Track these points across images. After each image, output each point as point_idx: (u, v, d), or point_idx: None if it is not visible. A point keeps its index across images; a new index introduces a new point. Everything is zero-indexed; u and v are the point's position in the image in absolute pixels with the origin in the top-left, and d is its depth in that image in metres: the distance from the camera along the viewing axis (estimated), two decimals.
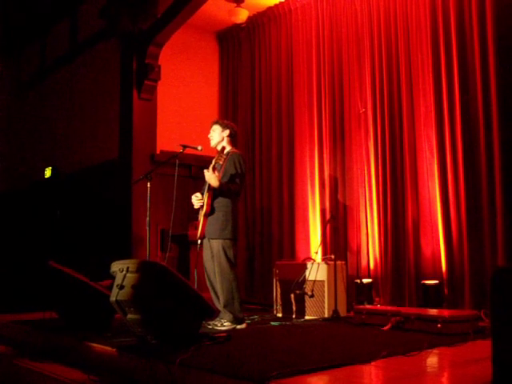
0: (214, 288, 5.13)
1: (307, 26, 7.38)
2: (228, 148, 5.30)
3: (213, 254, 5.08)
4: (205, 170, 5.03)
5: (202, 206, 5.11)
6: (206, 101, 8.45)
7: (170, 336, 3.86)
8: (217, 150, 5.25)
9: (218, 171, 5.11)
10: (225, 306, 4.98)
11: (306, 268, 5.87)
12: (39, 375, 4.01)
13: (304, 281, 5.84)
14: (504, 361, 2.38)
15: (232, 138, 5.35)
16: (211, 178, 4.97)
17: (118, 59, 7.79)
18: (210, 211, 5.07)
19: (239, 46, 8.37)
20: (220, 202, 5.08)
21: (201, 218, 5.11)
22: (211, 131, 5.32)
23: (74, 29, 9.12)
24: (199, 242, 5.19)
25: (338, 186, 6.81)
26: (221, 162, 5.11)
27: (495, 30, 5.39)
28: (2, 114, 10.87)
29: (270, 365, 3.13)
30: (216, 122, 5.37)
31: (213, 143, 5.30)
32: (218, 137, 5.27)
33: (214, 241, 5.06)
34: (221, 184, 4.99)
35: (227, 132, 5.28)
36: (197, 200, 5.16)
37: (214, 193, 5.07)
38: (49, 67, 9.79)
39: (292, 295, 5.87)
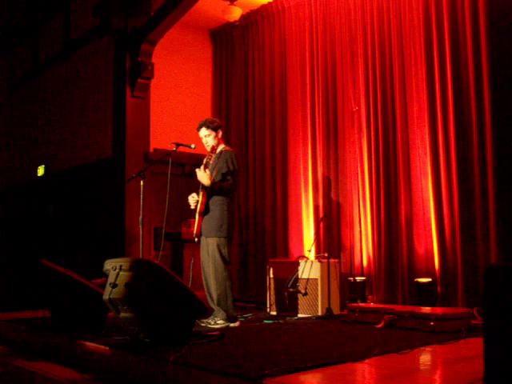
0: (208, 286, 5.13)
1: (301, 24, 7.37)
2: (221, 146, 5.29)
3: (209, 251, 5.09)
4: (196, 169, 5.03)
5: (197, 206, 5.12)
6: (200, 99, 8.45)
7: (163, 334, 3.85)
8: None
9: (212, 169, 5.11)
10: (218, 304, 4.99)
11: (300, 266, 5.88)
12: (32, 374, 4.00)
13: (297, 279, 5.85)
14: (496, 358, 2.39)
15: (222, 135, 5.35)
16: (203, 176, 4.98)
17: (111, 57, 7.76)
18: (205, 210, 5.08)
19: (232, 44, 8.36)
20: (216, 200, 5.08)
21: (196, 217, 5.11)
22: (204, 137, 5.22)
23: (67, 26, 9.08)
24: (196, 240, 5.20)
25: (332, 184, 6.82)
26: (211, 162, 5.10)
27: (488, 27, 5.40)
28: None
29: (264, 363, 3.14)
30: (206, 127, 5.21)
31: (210, 148, 5.22)
32: (214, 141, 5.21)
33: (210, 239, 5.07)
34: (212, 183, 5.01)
35: (220, 133, 5.28)
36: (193, 200, 5.16)
37: (208, 191, 5.07)
38: (42, 65, 9.74)
39: (285, 293, 5.88)
